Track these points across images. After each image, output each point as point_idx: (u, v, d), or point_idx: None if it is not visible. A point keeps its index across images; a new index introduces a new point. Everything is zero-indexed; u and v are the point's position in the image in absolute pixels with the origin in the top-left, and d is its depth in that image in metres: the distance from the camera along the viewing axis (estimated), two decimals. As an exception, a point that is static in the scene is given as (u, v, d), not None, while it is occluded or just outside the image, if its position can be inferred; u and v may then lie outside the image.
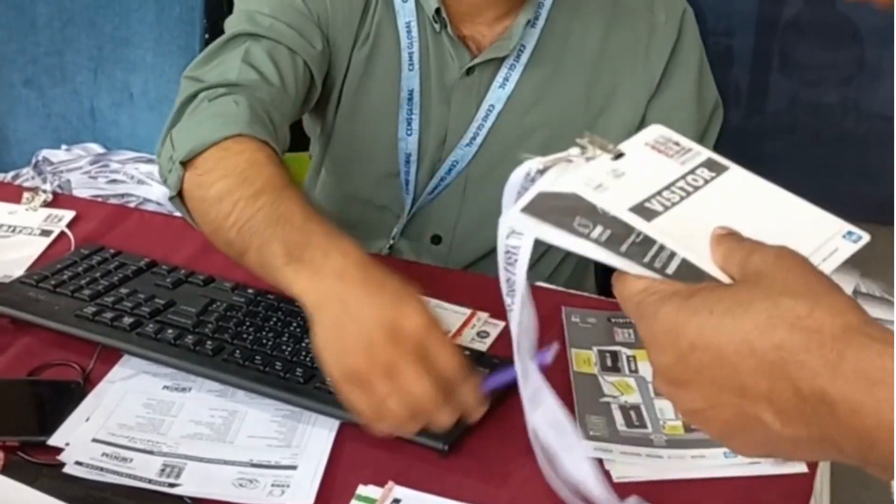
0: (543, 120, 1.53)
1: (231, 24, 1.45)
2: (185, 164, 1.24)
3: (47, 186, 2.09)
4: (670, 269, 0.67)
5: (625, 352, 1.27)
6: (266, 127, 1.28)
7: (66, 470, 1.08)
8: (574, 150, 0.74)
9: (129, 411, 1.17)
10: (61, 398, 1.18)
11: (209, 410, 1.17)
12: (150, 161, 2.19)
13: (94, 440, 1.12)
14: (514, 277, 0.74)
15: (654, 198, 0.71)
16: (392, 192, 1.58)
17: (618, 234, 0.68)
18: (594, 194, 0.70)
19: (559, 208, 0.70)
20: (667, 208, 0.70)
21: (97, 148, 2.29)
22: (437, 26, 1.47)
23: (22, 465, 1.09)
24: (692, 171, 0.74)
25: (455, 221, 1.59)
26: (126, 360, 1.24)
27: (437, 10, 1.46)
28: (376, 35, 1.50)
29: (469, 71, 1.50)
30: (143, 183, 2.12)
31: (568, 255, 1.63)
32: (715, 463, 1.11)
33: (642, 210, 0.70)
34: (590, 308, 1.35)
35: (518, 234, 0.72)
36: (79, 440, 1.12)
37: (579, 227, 0.69)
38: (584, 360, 1.26)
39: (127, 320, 1.26)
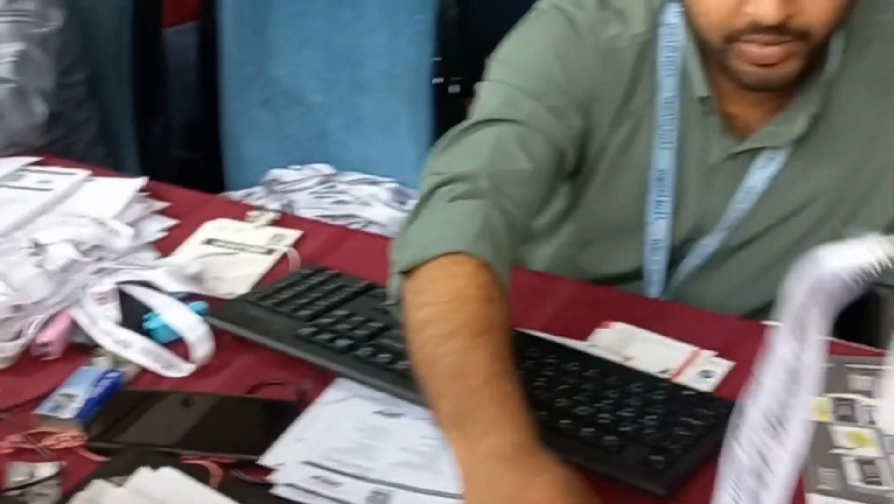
0: (808, 198, 1.42)
1: (488, 96, 1.38)
2: (407, 272, 1.19)
3: (275, 205, 2.13)
4: None
5: (862, 400, 1.18)
6: (496, 241, 1.20)
7: (276, 491, 1.08)
8: None
9: (341, 435, 1.16)
10: (276, 418, 1.19)
11: (420, 438, 1.15)
12: (374, 183, 2.20)
13: (306, 462, 1.12)
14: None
15: None
16: (632, 285, 1.49)
17: None
18: None
19: None
20: None
21: (326, 168, 2.32)
22: (704, 109, 1.38)
23: (233, 482, 1.09)
24: None
25: (699, 299, 1.49)
26: (340, 382, 1.24)
27: (706, 97, 1.37)
28: (640, 115, 1.41)
29: (734, 154, 1.40)
30: (367, 205, 2.13)
31: None
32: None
33: None
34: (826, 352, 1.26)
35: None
36: (291, 461, 1.12)
37: None
38: (816, 407, 1.18)
39: (342, 342, 1.25)
